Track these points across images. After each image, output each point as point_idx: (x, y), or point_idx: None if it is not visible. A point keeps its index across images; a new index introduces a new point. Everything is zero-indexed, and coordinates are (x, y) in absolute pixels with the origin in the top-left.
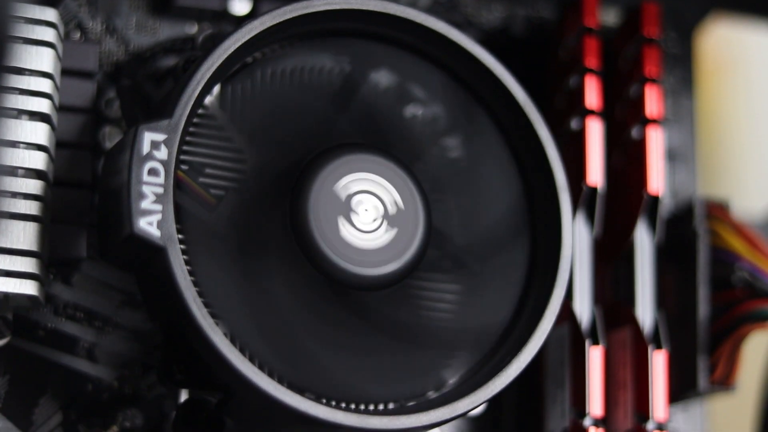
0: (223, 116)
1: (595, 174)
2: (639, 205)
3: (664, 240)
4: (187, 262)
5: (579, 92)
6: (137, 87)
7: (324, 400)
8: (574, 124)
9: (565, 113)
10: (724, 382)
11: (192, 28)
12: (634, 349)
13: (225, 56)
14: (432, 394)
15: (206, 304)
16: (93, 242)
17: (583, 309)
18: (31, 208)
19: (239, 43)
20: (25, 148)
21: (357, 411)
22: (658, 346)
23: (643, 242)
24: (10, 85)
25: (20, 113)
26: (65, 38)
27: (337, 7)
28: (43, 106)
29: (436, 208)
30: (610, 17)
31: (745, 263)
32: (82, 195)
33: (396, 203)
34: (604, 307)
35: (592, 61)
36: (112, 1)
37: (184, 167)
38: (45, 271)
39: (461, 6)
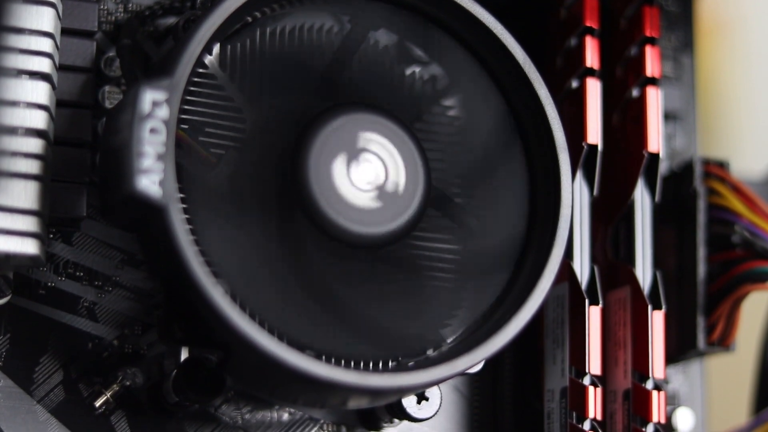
0: (222, 75)
1: (595, 133)
2: (638, 165)
3: (663, 199)
4: (187, 221)
5: (579, 52)
6: (137, 46)
7: (324, 358)
8: (573, 83)
9: (564, 73)
10: (722, 342)
11: None
12: (634, 309)
13: (226, 16)
14: (431, 353)
15: (207, 263)
16: (93, 201)
17: (583, 268)
18: (32, 167)
19: (240, 3)
20: (26, 108)
21: (357, 369)
22: (657, 306)
23: (643, 202)
24: (11, 45)
25: (20, 73)
26: None
27: None
28: (43, 65)
29: (435, 167)
30: None
31: (745, 222)
32: (82, 154)
33: (396, 162)
34: (603, 266)
35: (592, 20)
36: None
37: (184, 126)
38: (46, 230)
39: None
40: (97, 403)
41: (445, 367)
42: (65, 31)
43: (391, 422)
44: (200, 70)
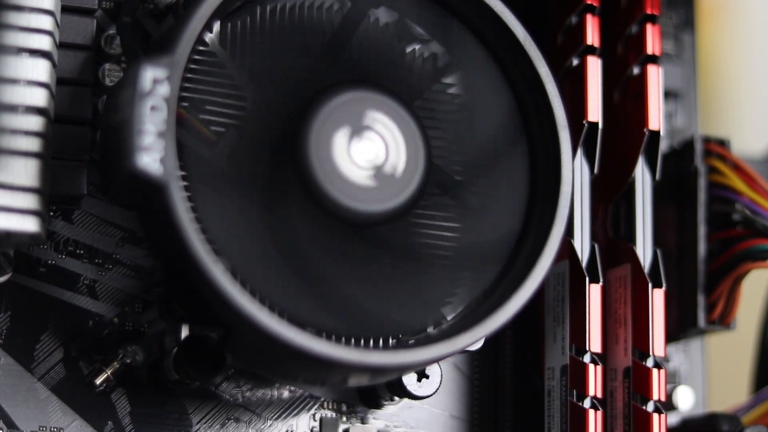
0: (223, 53)
1: (595, 111)
2: (639, 143)
3: (663, 177)
4: (188, 199)
5: (579, 30)
6: (137, 24)
7: (324, 335)
8: (574, 61)
9: (565, 51)
10: (723, 320)
11: None
12: (634, 287)
13: None
14: (432, 330)
15: (207, 240)
16: (93, 179)
17: (583, 246)
18: (32, 144)
19: None
20: (26, 85)
21: (357, 346)
22: (658, 284)
23: (644, 180)
24: (11, 23)
25: (21, 50)
26: None
27: None
28: (43, 43)
29: (435, 145)
30: None
31: (745, 200)
32: (82, 132)
33: (397, 140)
34: (603, 244)
35: None
36: None
37: (184, 104)
38: (46, 208)
39: None
40: (98, 381)
41: (445, 344)
42: (65, 9)
43: (392, 400)
44: (201, 48)
